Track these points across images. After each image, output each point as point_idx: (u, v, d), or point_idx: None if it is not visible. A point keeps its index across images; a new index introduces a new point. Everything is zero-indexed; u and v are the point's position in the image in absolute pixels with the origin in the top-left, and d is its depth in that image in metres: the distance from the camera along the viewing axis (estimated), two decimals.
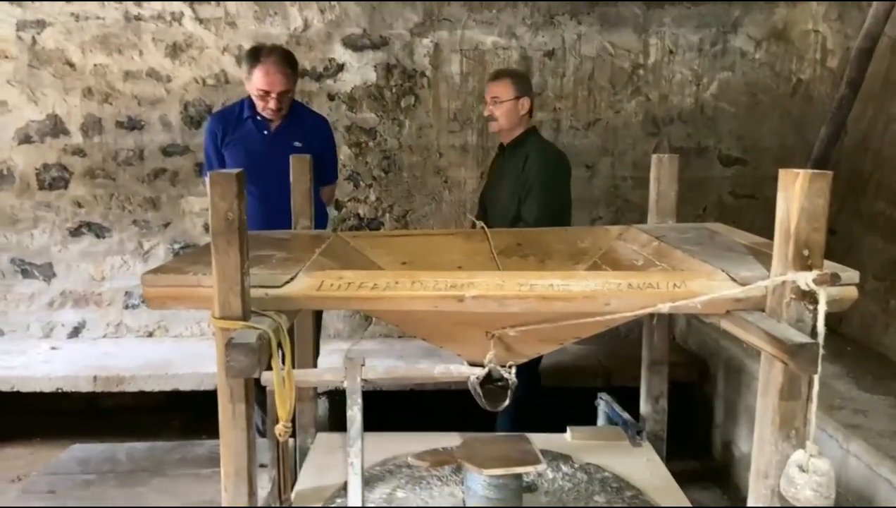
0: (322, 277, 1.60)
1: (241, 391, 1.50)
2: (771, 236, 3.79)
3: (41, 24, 3.66)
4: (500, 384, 1.88)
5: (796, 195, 1.47)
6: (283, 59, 2.82)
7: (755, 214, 3.76)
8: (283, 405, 1.51)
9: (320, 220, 3.06)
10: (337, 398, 3.43)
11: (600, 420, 2.64)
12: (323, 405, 3.46)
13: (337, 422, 3.44)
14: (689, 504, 2.01)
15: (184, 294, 1.56)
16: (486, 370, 1.84)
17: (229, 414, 1.51)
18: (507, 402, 1.87)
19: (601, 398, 2.67)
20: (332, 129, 3.16)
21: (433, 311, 1.62)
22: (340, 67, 3.75)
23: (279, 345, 1.48)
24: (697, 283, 1.61)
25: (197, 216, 3.78)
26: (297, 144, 2.84)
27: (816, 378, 1.48)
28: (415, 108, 3.79)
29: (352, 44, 3.74)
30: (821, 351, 1.47)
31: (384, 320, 1.80)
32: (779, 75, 3.75)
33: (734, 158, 3.84)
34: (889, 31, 3.42)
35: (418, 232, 2.58)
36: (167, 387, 3.42)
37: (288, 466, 2.00)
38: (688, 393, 3.60)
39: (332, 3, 3.70)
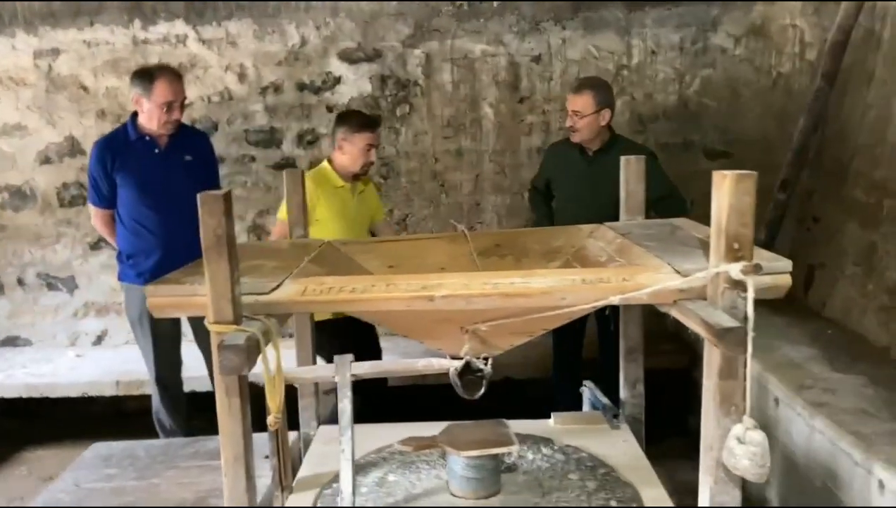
0: (306, 283, 1.79)
1: (236, 387, 1.69)
2: (754, 224, 3.89)
3: (56, 52, 3.91)
4: (478, 374, 2.07)
5: (725, 194, 1.62)
6: (176, 70, 3.05)
7: None
8: (272, 399, 1.70)
9: None
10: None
11: (585, 406, 2.81)
12: (332, 401, 3.65)
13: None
14: (656, 479, 2.16)
15: (183, 303, 1.75)
16: (463, 362, 2.02)
17: (226, 407, 1.70)
18: (482, 391, 2.06)
19: (586, 384, 2.83)
20: (211, 143, 3.36)
21: (409, 310, 1.80)
22: (337, 80, 3.95)
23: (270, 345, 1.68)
24: (645, 276, 1.77)
25: None
26: (188, 157, 3.03)
27: (749, 359, 1.63)
28: (410, 116, 3.97)
29: (347, 57, 3.93)
30: (751, 334, 1.63)
31: (368, 319, 1.97)
32: (759, 70, 3.88)
33: (719, 151, 3.97)
34: (864, 22, 3.53)
35: (405, 237, 2.75)
36: (185, 389, 3.63)
37: (288, 455, 2.19)
38: (681, 378, 3.75)
39: (328, 19, 3.89)
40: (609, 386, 2.81)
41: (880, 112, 3.32)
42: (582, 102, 3.08)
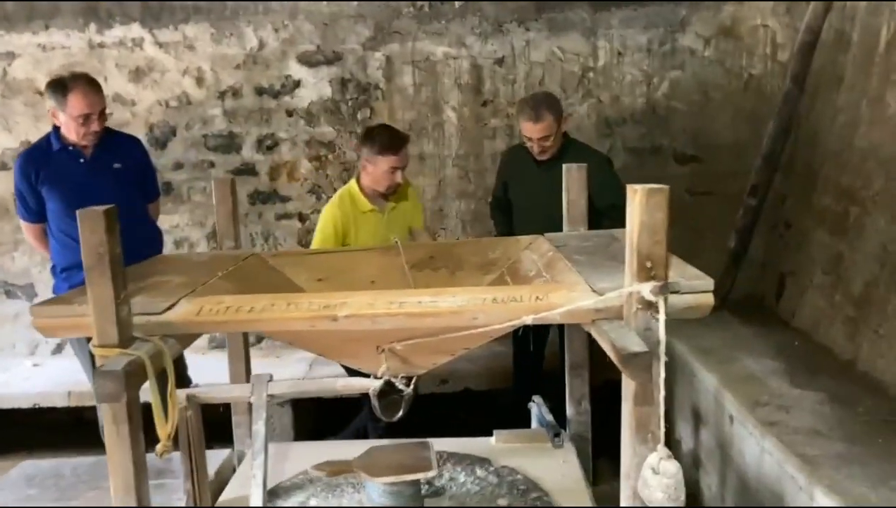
0: (202, 302, 1.70)
1: (124, 413, 1.60)
2: (725, 231, 3.78)
3: (11, 56, 3.84)
4: (401, 394, 1.98)
5: (637, 210, 1.52)
6: (92, 79, 2.89)
7: (712, 210, 3.79)
8: (161, 426, 1.61)
9: (157, 239, 3.13)
10: (301, 406, 3.54)
11: (533, 423, 2.71)
12: (288, 413, 3.57)
13: (302, 430, 3.56)
14: (590, 502, 2.07)
15: (71, 324, 1.67)
16: (382, 381, 1.94)
17: (114, 435, 1.62)
18: (401, 413, 1.97)
19: (534, 400, 2.74)
20: (145, 147, 3.20)
21: (315, 330, 1.71)
22: (297, 84, 3.86)
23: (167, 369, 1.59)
24: (558, 295, 1.68)
25: (167, 233, 3.91)
26: (116, 165, 2.90)
27: (661, 384, 1.54)
28: (371, 120, 3.87)
29: (306, 60, 3.84)
30: (662, 359, 1.53)
31: (278, 339, 1.86)
32: (729, 72, 3.76)
33: (689, 155, 3.85)
34: (835, 23, 3.41)
35: (338, 249, 2.66)
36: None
37: (204, 477, 2.11)
38: None
39: (286, 21, 3.80)
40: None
41: (849, 117, 3.20)
42: (546, 127, 3.01)
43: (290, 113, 3.89)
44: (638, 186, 1.52)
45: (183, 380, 3.21)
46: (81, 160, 2.88)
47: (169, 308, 1.67)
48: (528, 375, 3.36)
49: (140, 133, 3.86)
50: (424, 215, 3.36)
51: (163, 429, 1.61)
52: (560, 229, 2.71)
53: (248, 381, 2.58)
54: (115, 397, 1.47)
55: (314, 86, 3.86)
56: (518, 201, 3.15)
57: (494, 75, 3.80)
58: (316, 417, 3.50)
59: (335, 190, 3.94)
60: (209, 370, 3.18)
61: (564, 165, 2.41)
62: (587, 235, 2.32)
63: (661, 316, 1.52)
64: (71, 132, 2.82)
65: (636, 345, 1.48)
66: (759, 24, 3.72)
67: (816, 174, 3.43)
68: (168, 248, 3.91)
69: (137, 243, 2.90)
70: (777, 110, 3.47)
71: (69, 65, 3.84)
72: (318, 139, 3.91)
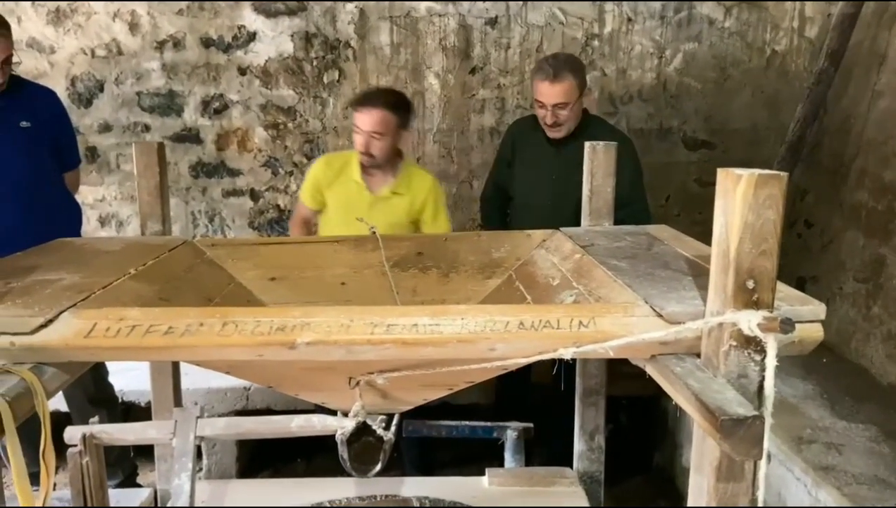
0: (97, 317, 1.17)
1: None
2: None
3: None
4: (376, 438, 1.50)
5: (738, 206, 1.04)
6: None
7: None
8: (26, 499, 1.08)
9: (74, 216, 2.59)
10: None
11: (507, 456, 2.25)
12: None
13: (246, 455, 3.00)
14: None
15: None
16: (354, 423, 1.45)
17: None
18: (379, 466, 1.48)
19: (509, 427, 2.27)
20: (62, 103, 2.62)
21: (262, 360, 1.20)
22: (252, 37, 3.28)
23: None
24: (610, 320, 1.20)
25: (91, 208, 3.32)
26: (24, 123, 2.37)
27: (764, 459, 1.08)
28: (339, 84, 3.33)
29: (264, 9, 3.27)
30: (768, 422, 1.07)
31: (211, 369, 1.35)
32: (751, 47, 3.32)
33: (700, 141, 3.42)
34: None
35: (298, 239, 2.14)
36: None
37: None
38: (646, 407, 3.22)
39: None
40: (561, 425, 2.26)
41: (893, 102, 2.79)
42: (565, 91, 2.42)
43: (242, 71, 3.31)
44: (741, 171, 1.04)
45: (102, 388, 2.66)
46: None
47: (45, 325, 1.14)
48: (512, 389, 2.88)
49: (59, 87, 3.25)
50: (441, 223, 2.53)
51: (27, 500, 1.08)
52: (573, 225, 2.21)
53: (176, 400, 2.05)
54: None
55: (272, 40, 3.29)
56: (521, 189, 2.59)
57: (485, 38, 3.29)
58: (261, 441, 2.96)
59: (295, 165, 3.42)
60: (141, 371, 2.60)
61: (587, 144, 1.92)
62: (615, 232, 1.83)
63: (771, 361, 1.06)
64: None
65: (738, 405, 1.01)
66: None
67: (848, 167, 3.03)
68: (91, 227, 3.33)
69: (47, 222, 2.33)
70: (808, 93, 3.06)
71: None
72: (275, 104, 3.34)
